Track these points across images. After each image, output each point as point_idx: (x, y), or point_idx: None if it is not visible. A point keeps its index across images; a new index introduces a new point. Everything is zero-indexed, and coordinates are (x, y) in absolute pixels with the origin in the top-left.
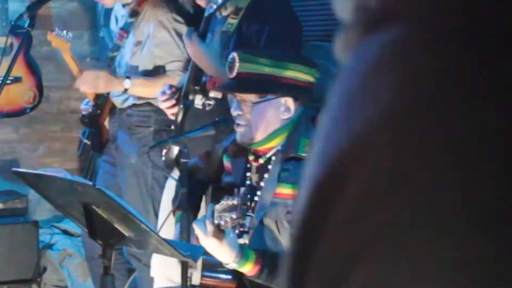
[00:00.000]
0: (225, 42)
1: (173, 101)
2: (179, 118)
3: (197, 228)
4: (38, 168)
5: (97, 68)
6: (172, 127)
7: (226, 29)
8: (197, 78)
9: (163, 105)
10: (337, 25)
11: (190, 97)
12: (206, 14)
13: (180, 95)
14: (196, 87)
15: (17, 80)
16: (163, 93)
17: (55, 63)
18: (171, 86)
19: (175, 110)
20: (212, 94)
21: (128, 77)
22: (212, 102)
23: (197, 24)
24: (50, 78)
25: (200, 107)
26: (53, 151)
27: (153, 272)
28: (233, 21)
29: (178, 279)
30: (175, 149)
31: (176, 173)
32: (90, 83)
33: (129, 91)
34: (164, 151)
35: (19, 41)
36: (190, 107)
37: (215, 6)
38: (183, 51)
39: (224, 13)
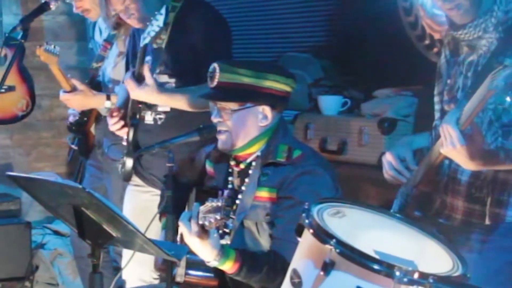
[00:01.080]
0: (158, 57)
1: (122, 122)
2: (130, 136)
3: (183, 227)
4: (30, 172)
5: (81, 79)
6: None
7: (157, 45)
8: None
9: (113, 128)
10: (313, 38)
11: (137, 116)
12: (141, 44)
13: (127, 115)
14: (141, 105)
15: (10, 89)
16: (111, 116)
17: (46, 73)
18: (117, 108)
19: (124, 130)
20: (160, 108)
21: (108, 97)
22: (162, 116)
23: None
24: (42, 87)
25: (152, 122)
26: (45, 156)
27: (125, 275)
28: (163, 37)
29: (149, 279)
30: (130, 162)
31: (132, 182)
32: (75, 103)
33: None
34: (120, 166)
35: (13, 52)
36: (138, 125)
37: (149, 38)
38: None
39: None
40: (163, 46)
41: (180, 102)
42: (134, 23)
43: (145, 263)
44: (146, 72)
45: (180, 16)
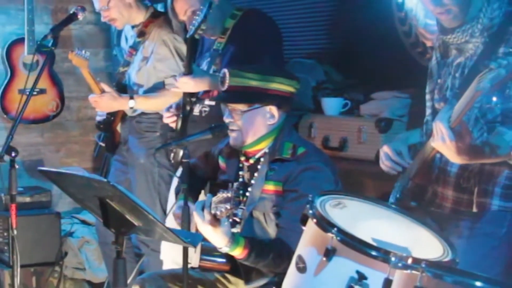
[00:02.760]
0: (215, 58)
1: (175, 118)
2: (179, 126)
3: (196, 216)
4: (60, 167)
5: (106, 82)
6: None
7: (216, 47)
8: (190, 92)
9: (167, 120)
10: (317, 45)
11: (187, 108)
12: (188, 36)
13: (180, 107)
14: (191, 99)
15: (42, 91)
16: (168, 110)
17: (74, 77)
18: (177, 105)
19: (174, 119)
20: (207, 102)
21: (131, 97)
22: (207, 109)
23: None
24: (70, 90)
25: (198, 114)
26: (73, 153)
27: (162, 256)
28: (222, 41)
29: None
30: (181, 152)
31: (179, 172)
32: (103, 105)
33: (134, 108)
34: (172, 155)
35: (44, 58)
36: (188, 116)
37: (193, 29)
38: (181, 67)
39: (201, 33)
40: (221, 48)
41: None
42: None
43: (179, 247)
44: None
45: (239, 24)
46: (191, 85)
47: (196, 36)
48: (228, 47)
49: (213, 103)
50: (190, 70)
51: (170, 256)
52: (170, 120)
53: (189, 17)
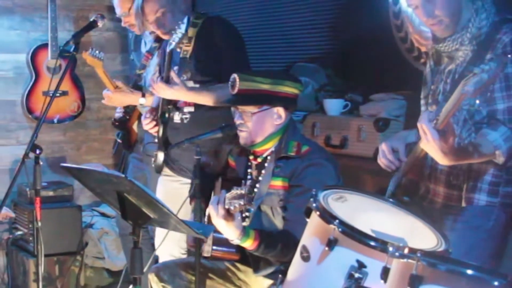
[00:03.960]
0: (183, 65)
1: (154, 123)
2: (160, 133)
3: (211, 210)
4: (81, 164)
5: (127, 82)
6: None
7: (183, 55)
8: (169, 100)
9: (146, 127)
10: (319, 50)
11: (167, 115)
12: (167, 50)
13: (158, 116)
14: (169, 107)
15: (64, 93)
16: (145, 117)
17: (95, 80)
18: (150, 110)
19: (156, 129)
20: (186, 109)
21: (143, 95)
22: (188, 116)
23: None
24: (90, 92)
25: (179, 121)
26: (93, 150)
27: (158, 251)
28: (188, 48)
29: (178, 254)
30: (161, 156)
31: (164, 173)
32: (114, 100)
33: (144, 104)
34: (152, 159)
35: (66, 62)
36: (167, 123)
37: (174, 43)
38: None
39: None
40: (188, 56)
41: (206, 98)
42: (161, 33)
43: (174, 240)
44: (174, 74)
45: (202, 31)
46: (168, 92)
47: (181, 55)
48: (194, 54)
49: (192, 109)
50: (168, 79)
51: (167, 249)
52: (150, 126)
53: (157, 18)
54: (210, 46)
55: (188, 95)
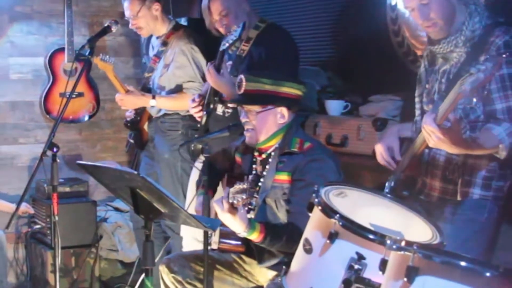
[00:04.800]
0: (239, 63)
1: (200, 107)
2: (203, 121)
3: (216, 206)
4: (95, 161)
5: (136, 87)
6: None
7: (239, 53)
8: (216, 92)
9: (193, 111)
10: (321, 55)
11: (211, 106)
12: (220, 49)
13: (204, 104)
14: (216, 98)
15: (80, 95)
16: (193, 100)
17: (108, 82)
18: (199, 95)
19: (201, 114)
20: (230, 104)
21: (153, 97)
22: (230, 110)
23: (213, 56)
24: (105, 93)
25: (221, 113)
26: (107, 148)
27: (182, 232)
28: (245, 48)
29: (201, 238)
30: (199, 146)
31: (198, 164)
32: (128, 103)
33: (155, 106)
34: (192, 147)
35: (82, 65)
36: (211, 113)
37: (227, 44)
38: (197, 74)
39: (234, 49)
40: (243, 55)
41: None
42: (223, 32)
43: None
44: (225, 69)
45: (261, 35)
46: (214, 80)
47: (230, 52)
48: (250, 54)
49: (235, 105)
50: (219, 68)
51: (190, 232)
52: (196, 110)
53: (221, 17)
54: (266, 50)
55: (230, 90)
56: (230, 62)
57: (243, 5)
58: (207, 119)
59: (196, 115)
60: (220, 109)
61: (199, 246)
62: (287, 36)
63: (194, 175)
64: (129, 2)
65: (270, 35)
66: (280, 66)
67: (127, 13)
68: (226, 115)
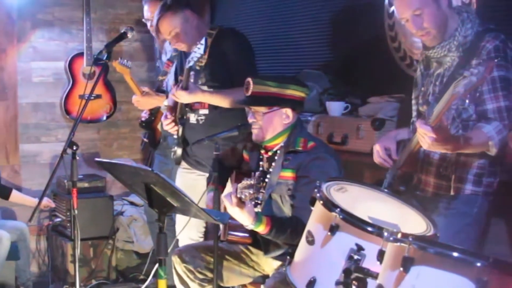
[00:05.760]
0: (199, 72)
1: (173, 123)
2: (180, 132)
3: (225, 200)
4: (112, 159)
5: (150, 88)
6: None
7: (199, 64)
8: (185, 103)
9: (167, 127)
10: (323, 58)
11: (184, 117)
12: (186, 66)
13: (177, 117)
14: (187, 109)
15: (98, 97)
16: (165, 117)
17: (125, 85)
18: (169, 112)
19: (175, 128)
20: (201, 111)
21: (167, 97)
22: (203, 117)
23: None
24: (121, 95)
25: (195, 122)
26: (123, 147)
27: (178, 234)
28: (204, 56)
29: (196, 237)
30: (179, 151)
31: (182, 166)
32: (144, 104)
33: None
34: (172, 153)
35: (100, 69)
36: (185, 123)
37: (192, 62)
38: None
39: (201, 64)
40: (203, 64)
41: (220, 100)
42: (181, 47)
43: (192, 225)
44: (190, 80)
45: (216, 41)
46: (186, 97)
47: (197, 67)
48: (209, 63)
49: (207, 112)
50: (186, 87)
51: (185, 233)
52: (170, 126)
53: (172, 37)
54: (222, 54)
55: (204, 96)
56: (192, 72)
57: (189, 20)
58: (183, 129)
59: (172, 130)
60: (193, 117)
61: None
62: (240, 38)
63: (180, 174)
64: (151, 4)
65: (223, 37)
66: (241, 60)
67: (147, 15)
68: (200, 122)
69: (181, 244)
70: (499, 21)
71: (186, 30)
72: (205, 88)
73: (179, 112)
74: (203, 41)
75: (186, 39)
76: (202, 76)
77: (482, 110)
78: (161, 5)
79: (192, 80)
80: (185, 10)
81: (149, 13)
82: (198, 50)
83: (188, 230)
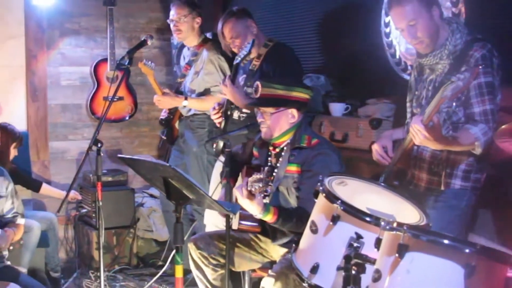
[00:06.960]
0: (251, 76)
1: (219, 114)
2: (222, 125)
3: (236, 192)
4: (134, 155)
5: (171, 88)
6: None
7: (252, 67)
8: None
9: (213, 117)
10: (325, 63)
11: (229, 112)
12: (234, 63)
13: (223, 111)
14: (232, 106)
15: (120, 99)
16: (213, 108)
17: (145, 88)
18: (218, 104)
19: (220, 120)
20: (244, 110)
21: (186, 98)
22: (244, 115)
23: (230, 70)
24: (142, 97)
25: (237, 118)
26: (144, 144)
27: (205, 221)
28: (256, 63)
29: (221, 225)
30: (221, 144)
31: (221, 158)
32: (164, 103)
33: (187, 106)
34: (214, 145)
35: (122, 73)
36: (229, 118)
37: (239, 59)
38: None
39: (246, 62)
40: (255, 69)
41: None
42: (236, 51)
43: (219, 215)
44: (239, 82)
45: (270, 52)
46: (232, 94)
47: (242, 65)
48: (260, 68)
49: (248, 111)
50: (233, 83)
51: (211, 220)
52: (217, 116)
53: (233, 40)
54: (275, 65)
55: (243, 100)
56: (244, 75)
57: (250, 28)
58: (225, 123)
59: (216, 121)
60: (236, 114)
61: None
62: (292, 53)
63: (218, 167)
64: (179, 6)
65: (278, 52)
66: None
67: (174, 16)
68: (242, 119)
69: (208, 229)
70: (486, 29)
71: (246, 35)
72: (249, 90)
73: (225, 106)
74: (250, 42)
75: (244, 43)
76: (251, 80)
77: (470, 113)
78: (226, 12)
79: (242, 82)
80: (247, 19)
81: (176, 14)
82: (245, 49)
83: (216, 219)
